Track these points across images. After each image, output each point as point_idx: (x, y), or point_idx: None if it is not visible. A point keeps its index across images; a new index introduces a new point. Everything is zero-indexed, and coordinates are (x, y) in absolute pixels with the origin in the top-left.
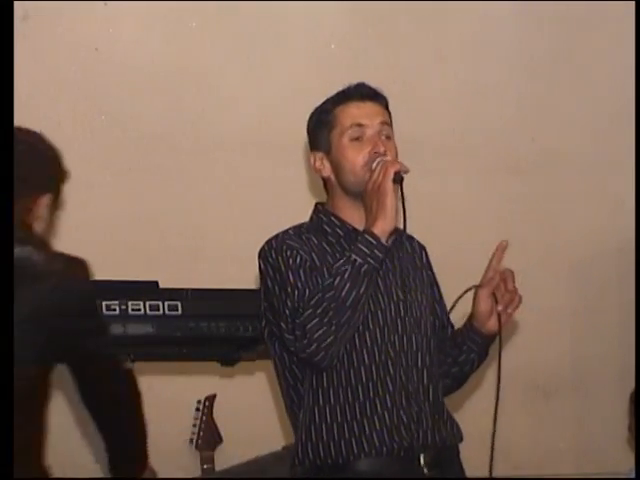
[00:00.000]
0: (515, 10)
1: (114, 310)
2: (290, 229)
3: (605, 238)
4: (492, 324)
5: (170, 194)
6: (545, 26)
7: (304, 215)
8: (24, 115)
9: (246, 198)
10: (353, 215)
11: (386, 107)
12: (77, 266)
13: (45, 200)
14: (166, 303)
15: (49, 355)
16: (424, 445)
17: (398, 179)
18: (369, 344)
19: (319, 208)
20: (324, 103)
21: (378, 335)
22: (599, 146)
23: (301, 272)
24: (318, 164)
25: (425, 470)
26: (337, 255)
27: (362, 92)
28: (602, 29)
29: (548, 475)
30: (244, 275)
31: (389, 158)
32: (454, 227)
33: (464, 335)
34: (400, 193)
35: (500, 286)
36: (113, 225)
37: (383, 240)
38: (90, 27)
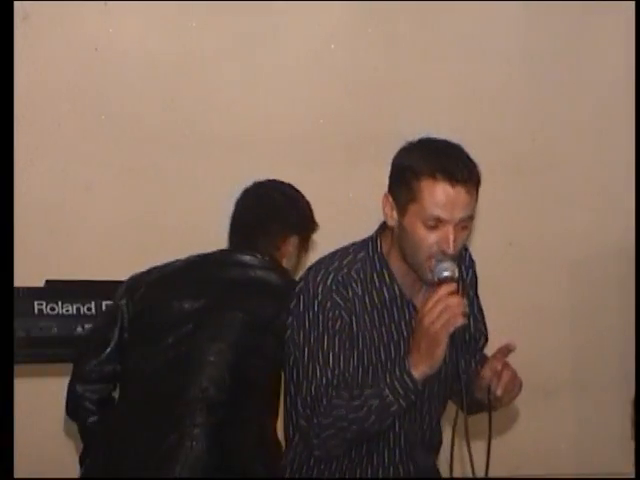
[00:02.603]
0: (515, 10)
1: None
2: (344, 265)
3: (605, 238)
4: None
5: (170, 194)
6: (545, 26)
7: None
8: (24, 115)
9: None
10: (405, 276)
11: (477, 185)
12: None
13: (293, 240)
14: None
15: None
16: None
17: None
18: None
19: (378, 246)
20: (416, 157)
21: None
22: (599, 146)
23: (337, 341)
24: (388, 210)
25: None
26: (376, 316)
27: (456, 174)
28: (602, 29)
29: (548, 475)
30: None
31: (446, 273)
32: None
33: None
34: None
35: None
36: (113, 225)
37: (420, 384)
38: (90, 27)
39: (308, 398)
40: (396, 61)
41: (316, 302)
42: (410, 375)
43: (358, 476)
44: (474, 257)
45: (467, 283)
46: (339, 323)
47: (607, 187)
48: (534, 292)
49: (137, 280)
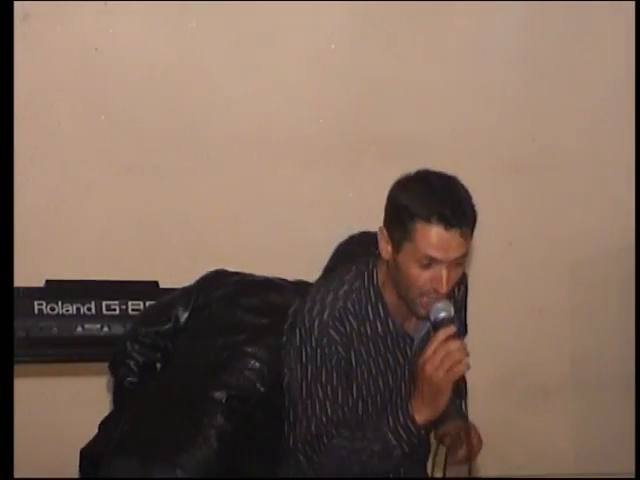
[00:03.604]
0: (515, 10)
1: (114, 310)
2: (337, 298)
3: (605, 238)
4: None
5: (170, 194)
6: (545, 26)
7: (304, 215)
8: (24, 115)
9: (246, 198)
10: (398, 309)
11: (472, 226)
12: None
13: None
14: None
15: None
16: None
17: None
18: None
19: (374, 275)
20: (411, 198)
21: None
22: (599, 146)
23: (335, 377)
24: (383, 244)
25: None
26: (372, 347)
27: (451, 220)
28: (602, 29)
29: (548, 475)
30: None
31: (442, 314)
32: None
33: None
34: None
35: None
36: (113, 225)
37: (423, 430)
38: (90, 27)
39: (308, 436)
40: (396, 61)
41: (313, 338)
42: (414, 421)
43: None
44: (474, 257)
45: (459, 300)
46: (335, 358)
47: (607, 187)
48: (534, 292)
49: (220, 277)
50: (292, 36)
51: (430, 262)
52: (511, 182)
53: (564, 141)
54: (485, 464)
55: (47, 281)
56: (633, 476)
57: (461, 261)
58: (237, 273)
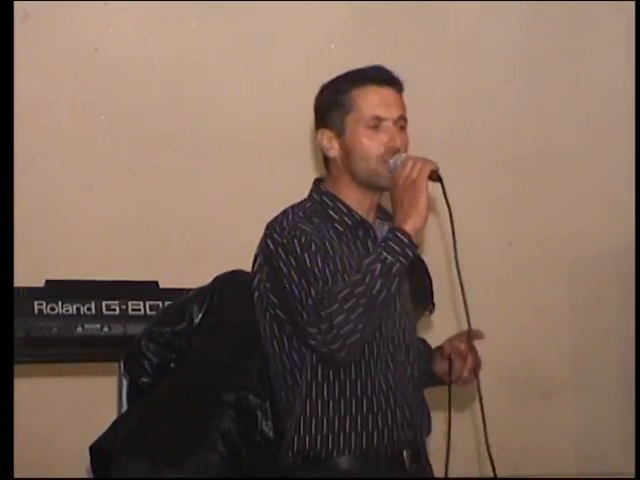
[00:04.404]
0: (515, 10)
1: (114, 310)
2: (296, 209)
3: (605, 238)
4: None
5: (170, 194)
6: (545, 26)
7: None
8: (24, 115)
9: (246, 198)
10: (359, 201)
11: (402, 89)
12: None
13: None
14: (166, 303)
15: None
16: (408, 442)
17: (437, 178)
18: (376, 338)
19: (321, 189)
20: (339, 81)
21: (383, 329)
22: (599, 146)
23: (319, 259)
24: (326, 143)
25: (407, 466)
26: (344, 246)
27: (381, 76)
28: (602, 29)
29: (548, 475)
30: None
31: (404, 155)
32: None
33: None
34: (443, 193)
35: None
36: (113, 225)
37: (415, 239)
38: (90, 27)
39: (310, 309)
40: (396, 61)
41: (285, 233)
42: (403, 231)
43: (359, 424)
44: (474, 257)
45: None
46: (314, 245)
47: (607, 187)
48: (534, 292)
49: (235, 277)
50: (292, 36)
51: (377, 124)
52: (511, 182)
53: (564, 141)
54: (485, 464)
55: (47, 281)
56: (633, 476)
57: (404, 124)
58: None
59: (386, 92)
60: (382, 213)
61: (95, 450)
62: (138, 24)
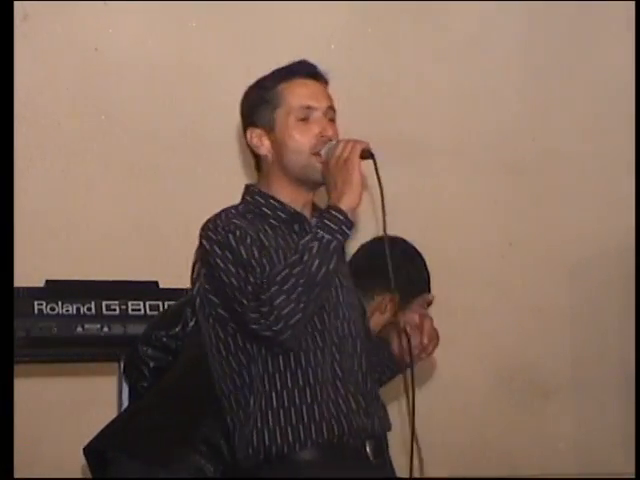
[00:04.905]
0: (515, 10)
1: (114, 310)
2: (229, 209)
3: (605, 238)
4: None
5: (170, 194)
6: (545, 26)
7: None
8: (24, 115)
9: None
10: (293, 197)
11: (327, 83)
12: None
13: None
14: (166, 303)
15: None
16: (367, 433)
17: (369, 155)
18: (318, 327)
19: (252, 190)
20: (263, 80)
21: (325, 319)
22: (599, 146)
23: (255, 250)
24: (256, 141)
25: (371, 458)
26: (280, 240)
27: (305, 69)
28: (602, 29)
29: (548, 475)
30: None
31: (334, 141)
32: (453, 227)
33: (380, 351)
34: (375, 170)
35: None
36: (113, 225)
37: (350, 216)
38: (90, 27)
39: (249, 295)
40: (396, 61)
41: (219, 229)
42: (338, 209)
43: (316, 413)
44: (474, 258)
45: None
46: (249, 238)
47: (607, 187)
48: (534, 292)
49: None
50: (292, 36)
51: (307, 115)
52: (511, 182)
53: (564, 141)
54: (485, 464)
55: (47, 281)
56: (633, 476)
57: (333, 116)
58: None
59: (312, 85)
60: (318, 212)
61: (90, 450)
62: (138, 24)
